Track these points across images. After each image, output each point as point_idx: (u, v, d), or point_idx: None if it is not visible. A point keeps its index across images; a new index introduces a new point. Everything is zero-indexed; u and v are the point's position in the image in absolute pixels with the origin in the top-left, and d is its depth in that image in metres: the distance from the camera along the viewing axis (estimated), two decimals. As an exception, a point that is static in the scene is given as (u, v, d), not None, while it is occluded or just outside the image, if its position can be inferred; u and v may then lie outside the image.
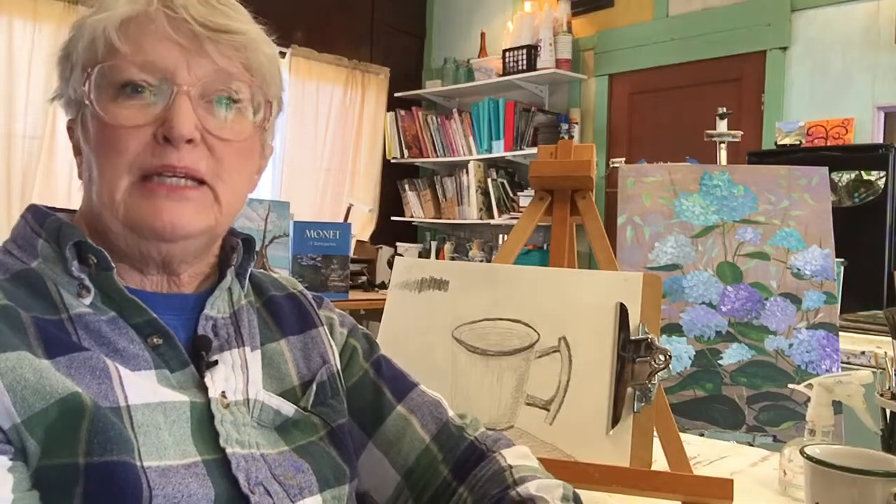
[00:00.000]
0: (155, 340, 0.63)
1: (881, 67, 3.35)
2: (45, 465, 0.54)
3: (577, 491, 0.72)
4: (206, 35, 0.64)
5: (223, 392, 0.65)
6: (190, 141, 0.63)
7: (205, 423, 0.62)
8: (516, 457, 0.75)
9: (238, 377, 0.67)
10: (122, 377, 0.59)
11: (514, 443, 0.79)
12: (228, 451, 0.62)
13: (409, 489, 0.75)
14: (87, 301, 0.62)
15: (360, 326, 0.83)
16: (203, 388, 0.64)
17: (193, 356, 0.65)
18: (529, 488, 0.69)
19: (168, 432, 0.59)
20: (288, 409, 0.69)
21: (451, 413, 0.79)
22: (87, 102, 0.63)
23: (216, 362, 0.66)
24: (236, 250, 0.73)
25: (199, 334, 0.67)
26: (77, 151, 0.69)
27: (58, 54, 0.68)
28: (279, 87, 0.72)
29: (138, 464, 0.56)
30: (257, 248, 0.78)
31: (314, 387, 0.72)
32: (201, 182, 0.65)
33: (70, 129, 0.69)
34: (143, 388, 0.60)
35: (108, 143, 0.63)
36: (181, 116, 0.62)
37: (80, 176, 0.69)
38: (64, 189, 3.90)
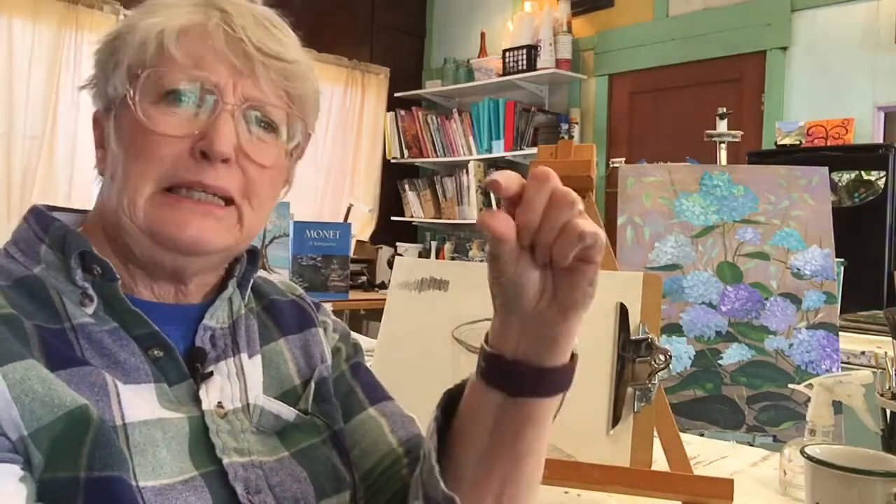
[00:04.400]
0: (156, 353, 0.63)
1: (881, 67, 3.35)
2: (48, 479, 0.53)
3: (578, 491, 0.72)
4: (260, 59, 0.64)
5: (219, 402, 0.65)
6: (226, 161, 0.63)
7: (201, 437, 0.62)
8: None
9: (234, 385, 0.67)
10: (120, 395, 0.58)
11: None
12: (225, 461, 0.61)
13: (363, 490, 0.72)
14: (90, 310, 0.61)
15: (352, 335, 0.83)
16: (199, 401, 0.63)
17: (192, 367, 0.65)
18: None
19: (166, 449, 0.59)
20: (288, 413, 0.69)
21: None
22: (129, 103, 0.63)
23: (211, 374, 0.66)
24: (240, 261, 0.73)
25: (196, 346, 0.67)
26: (100, 144, 0.68)
27: (100, 45, 0.67)
28: (315, 119, 0.73)
29: (134, 484, 0.55)
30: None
31: (313, 384, 0.72)
32: (229, 201, 0.64)
33: (97, 119, 0.68)
34: (141, 406, 0.59)
35: (142, 147, 0.62)
36: (223, 134, 0.62)
37: (100, 171, 0.68)
38: (64, 189, 3.90)
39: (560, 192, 0.51)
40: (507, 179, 0.51)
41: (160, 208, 0.62)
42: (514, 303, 0.55)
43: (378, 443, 0.73)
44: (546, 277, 0.54)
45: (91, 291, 0.62)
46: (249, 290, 0.74)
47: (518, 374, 0.58)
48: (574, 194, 0.52)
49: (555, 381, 0.58)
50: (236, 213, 0.65)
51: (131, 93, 0.63)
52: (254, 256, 0.74)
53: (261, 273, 0.79)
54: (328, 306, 0.84)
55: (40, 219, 0.66)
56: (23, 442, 0.53)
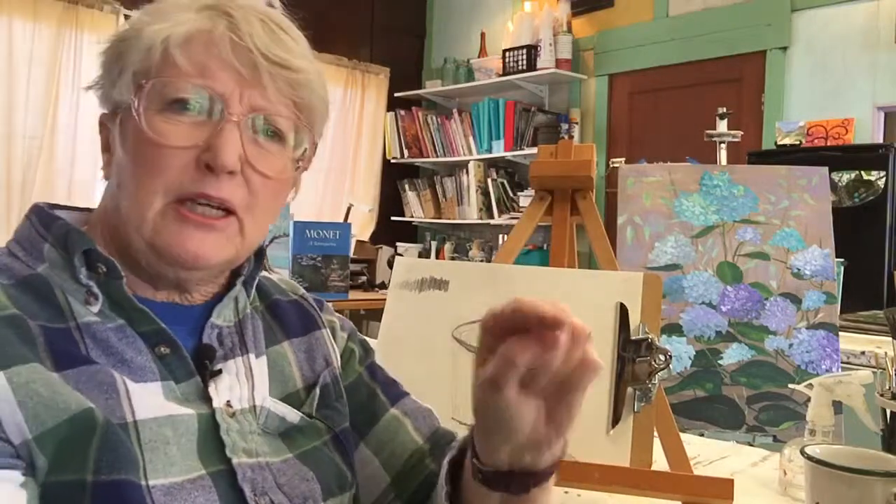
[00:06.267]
0: (162, 350, 0.63)
1: (881, 67, 3.35)
2: (53, 481, 0.53)
3: (578, 491, 0.72)
4: (266, 67, 0.63)
5: (228, 401, 0.65)
6: (231, 173, 0.62)
7: (210, 434, 0.62)
8: None
9: (243, 385, 0.67)
10: (129, 392, 0.58)
11: None
12: (235, 461, 0.62)
13: (395, 491, 0.75)
14: (95, 309, 0.61)
15: (358, 332, 0.83)
16: (208, 399, 0.63)
17: (198, 365, 0.65)
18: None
19: (176, 446, 0.59)
20: (293, 416, 0.69)
21: (440, 423, 0.80)
22: (134, 115, 0.62)
23: (220, 371, 0.66)
24: (248, 260, 0.72)
25: (204, 343, 0.67)
26: (106, 148, 0.67)
27: (105, 47, 0.66)
28: (323, 127, 0.72)
29: (143, 483, 0.55)
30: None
31: (318, 390, 0.72)
32: (230, 212, 0.64)
33: (103, 123, 0.68)
34: (150, 403, 0.59)
35: (148, 159, 0.62)
36: (227, 146, 0.62)
37: (105, 175, 0.67)
38: (64, 189, 3.91)
39: (579, 328, 0.53)
40: (527, 308, 0.52)
41: (167, 223, 0.62)
42: (507, 432, 0.57)
43: (406, 443, 0.76)
44: (540, 402, 0.56)
45: (96, 290, 0.62)
46: (254, 288, 0.74)
47: (519, 478, 0.60)
48: (587, 327, 0.53)
49: (554, 470, 0.61)
50: (237, 224, 0.65)
51: (136, 104, 0.62)
52: (260, 256, 0.74)
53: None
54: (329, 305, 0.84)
55: (42, 217, 0.65)
56: (27, 446, 0.53)
